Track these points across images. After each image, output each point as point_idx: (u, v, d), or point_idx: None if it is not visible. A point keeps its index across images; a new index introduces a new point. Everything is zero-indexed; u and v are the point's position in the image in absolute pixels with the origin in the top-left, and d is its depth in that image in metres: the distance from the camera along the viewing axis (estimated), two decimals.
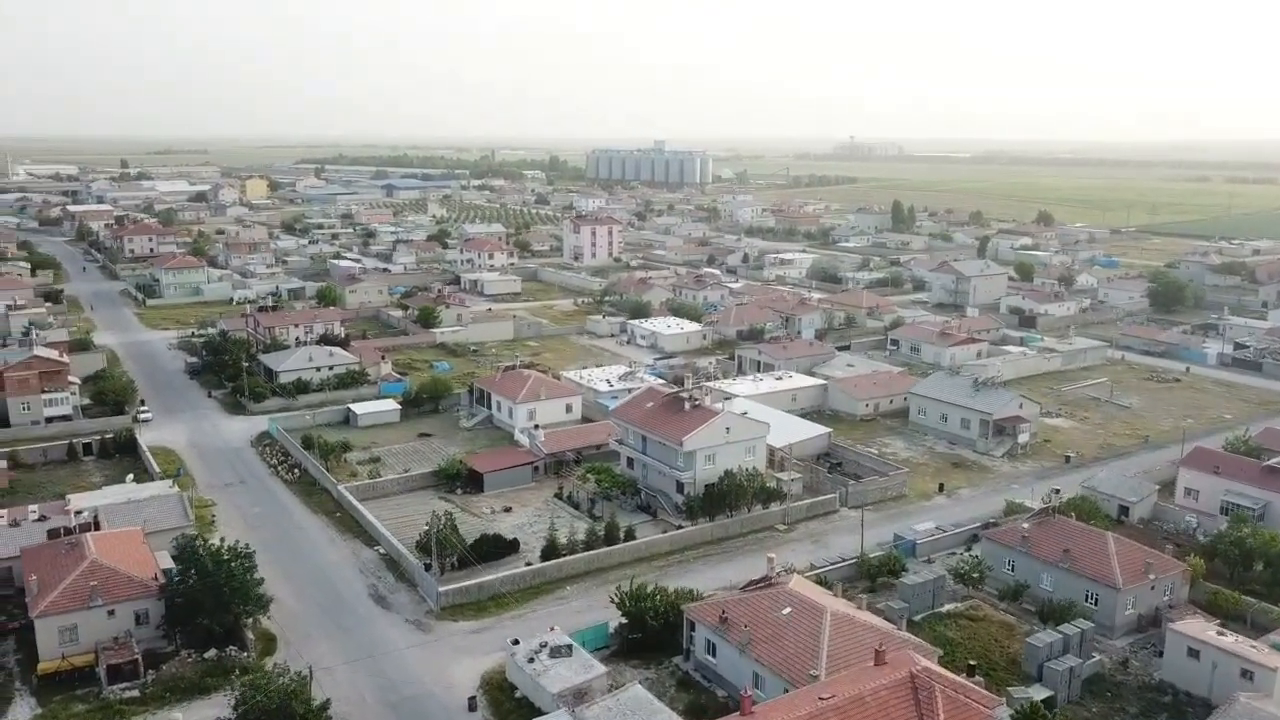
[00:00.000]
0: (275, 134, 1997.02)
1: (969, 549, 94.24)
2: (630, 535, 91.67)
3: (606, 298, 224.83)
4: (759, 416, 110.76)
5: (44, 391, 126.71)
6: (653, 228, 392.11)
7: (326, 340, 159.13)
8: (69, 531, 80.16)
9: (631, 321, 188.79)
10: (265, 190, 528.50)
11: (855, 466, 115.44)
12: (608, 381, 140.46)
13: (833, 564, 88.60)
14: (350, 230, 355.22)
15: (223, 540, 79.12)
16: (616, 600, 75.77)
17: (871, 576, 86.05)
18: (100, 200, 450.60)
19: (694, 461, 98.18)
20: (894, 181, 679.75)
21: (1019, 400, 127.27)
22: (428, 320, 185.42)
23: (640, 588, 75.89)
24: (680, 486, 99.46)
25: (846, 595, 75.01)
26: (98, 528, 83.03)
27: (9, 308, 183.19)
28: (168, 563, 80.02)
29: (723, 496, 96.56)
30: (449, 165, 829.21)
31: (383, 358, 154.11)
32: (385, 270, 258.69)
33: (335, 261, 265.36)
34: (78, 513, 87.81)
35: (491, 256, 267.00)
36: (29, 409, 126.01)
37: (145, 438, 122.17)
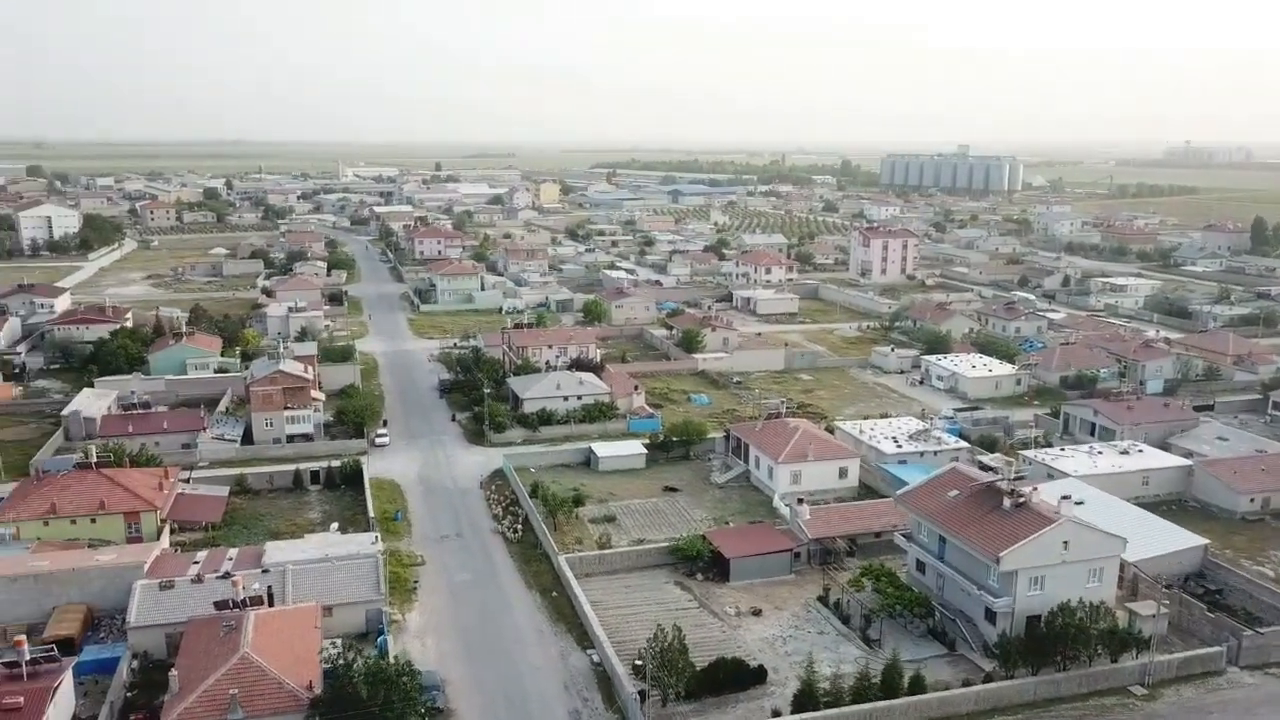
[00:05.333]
0: (575, 140, 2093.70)
1: None
2: (918, 684, 67.02)
3: (896, 324, 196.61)
4: (1102, 510, 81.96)
5: (287, 408, 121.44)
6: (953, 241, 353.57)
7: (579, 365, 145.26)
8: (236, 604, 68.31)
9: (927, 357, 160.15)
10: (557, 194, 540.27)
11: (1243, 597, 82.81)
12: (894, 440, 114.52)
13: None
14: (630, 237, 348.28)
15: (396, 657, 63.71)
16: None
17: None
18: (408, 201, 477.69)
19: (1013, 585, 71.60)
20: (1243, 192, 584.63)
21: None
22: (690, 344, 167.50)
23: None
24: (991, 615, 73.23)
25: None
26: (271, 602, 70.83)
27: (290, 309, 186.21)
28: None
29: (1054, 639, 69.26)
30: (738, 170, 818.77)
31: (636, 388, 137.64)
32: (657, 283, 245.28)
33: (607, 272, 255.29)
34: (264, 572, 76.63)
35: (769, 271, 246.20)
36: (272, 425, 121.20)
37: (375, 466, 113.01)
